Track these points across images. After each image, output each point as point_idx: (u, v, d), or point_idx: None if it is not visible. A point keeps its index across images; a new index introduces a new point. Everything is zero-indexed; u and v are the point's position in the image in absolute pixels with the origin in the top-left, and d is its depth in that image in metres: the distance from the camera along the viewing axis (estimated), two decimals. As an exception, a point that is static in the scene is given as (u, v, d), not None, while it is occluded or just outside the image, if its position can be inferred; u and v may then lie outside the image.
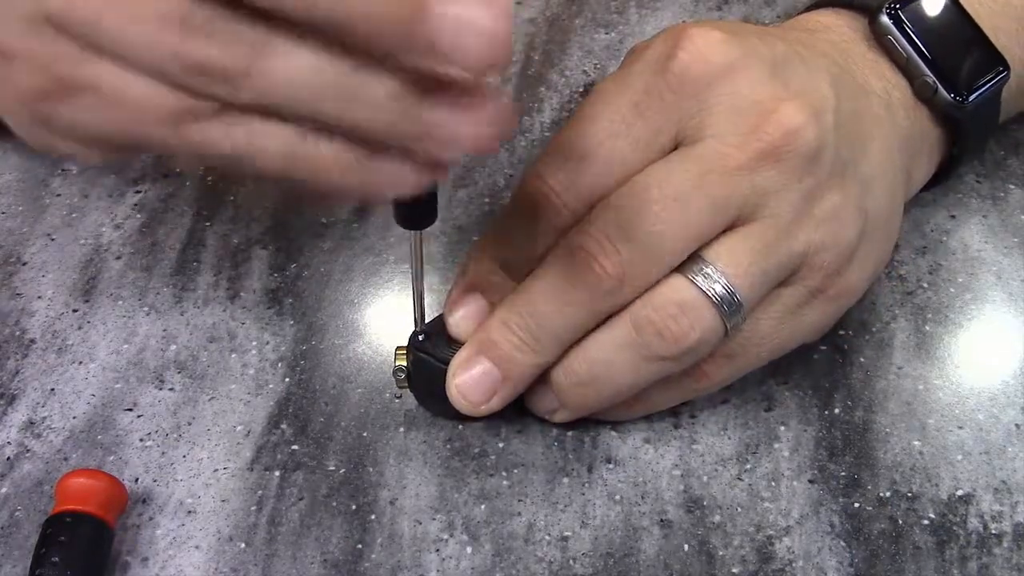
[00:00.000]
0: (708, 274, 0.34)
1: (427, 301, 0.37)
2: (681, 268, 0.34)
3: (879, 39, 0.40)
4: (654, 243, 0.33)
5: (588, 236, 0.34)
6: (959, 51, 0.40)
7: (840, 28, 0.40)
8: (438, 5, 0.24)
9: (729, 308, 0.34)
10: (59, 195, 0.47)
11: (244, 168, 0.27)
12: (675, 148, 0.35)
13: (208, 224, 0.46)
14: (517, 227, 0.36)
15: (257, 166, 0.27)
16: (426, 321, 0.38)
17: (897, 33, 0.39)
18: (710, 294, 0.34)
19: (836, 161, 0.35)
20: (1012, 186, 0.46)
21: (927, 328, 0.42)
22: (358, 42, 0.24)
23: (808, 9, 0.42)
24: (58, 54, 0.27)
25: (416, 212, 0.32)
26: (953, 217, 0.45)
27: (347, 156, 0.27)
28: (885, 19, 0.39)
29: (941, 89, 0.39)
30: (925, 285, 0.43)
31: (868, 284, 0.38)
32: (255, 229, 0.46)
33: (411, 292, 0.37)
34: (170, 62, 0.25)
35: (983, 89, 0.40)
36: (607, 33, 0.53)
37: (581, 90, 0.50)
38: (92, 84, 0.27)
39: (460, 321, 0.37)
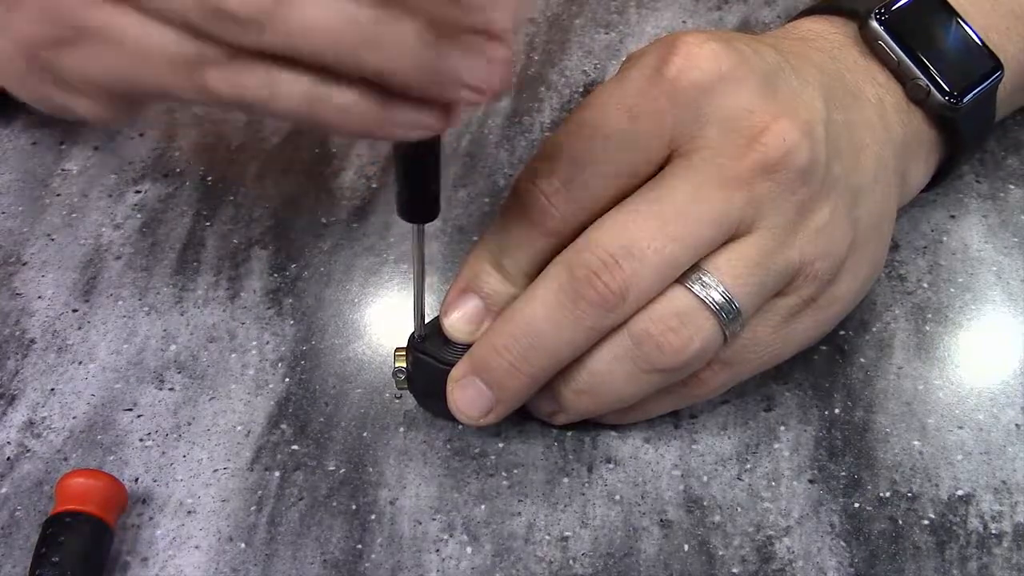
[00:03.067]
0: (706, 282, 0.34)
1: (427, 301, 0.37)
2: (679, 278, 0.34)
3: (870, 44, 0.40)
4: (657, 258, 0.33)
5: (588, 253, 0.34)
6: (951, 52, 0.40)
7: (831, 35, 0.40)
8: None
9: (728, 315, 0.34)
10: (59, 195, 0.47)
11: (259, 112, 0.27)
12: (668, 155, 0.35)
13: (208, 224, 0.46)
14: (510, 230, 0.36)
15: (274, 111, 0.27)
16: (427, 320, 0.38)
17: (887, 37, 0.39)
18: (708, 302, 0.34)
19: (828, 173, 0.35)
20: (1012, 186, 0.46)
21: (927, 328, 0.42)
22: None
23: (800, 16, 0.42)
24: None
25: (420, 204, 0.32)
26: (953, 217, 0.45)
27: (364, 101, 0.26)
28: (875, 24, 0.39)
29: (934, 91, 0.39)
30: (925, 285, 0.43)
31: (862, 292, 0.38)
32: (255, 229, 0.46)
33: (411, 291, 0.37)
34: (190, 7, 0.24)
35: (977, 90, 0.40)
36: (607, 33, 0.53)
37: (581, 90, 0.50)
38: (103, 30, 0.26)
39: (456, 323, 0.37)
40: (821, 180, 0.35)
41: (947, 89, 0.39)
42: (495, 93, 0.27)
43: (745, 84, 0.34)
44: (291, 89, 0.26)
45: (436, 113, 0.27)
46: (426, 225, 0.34)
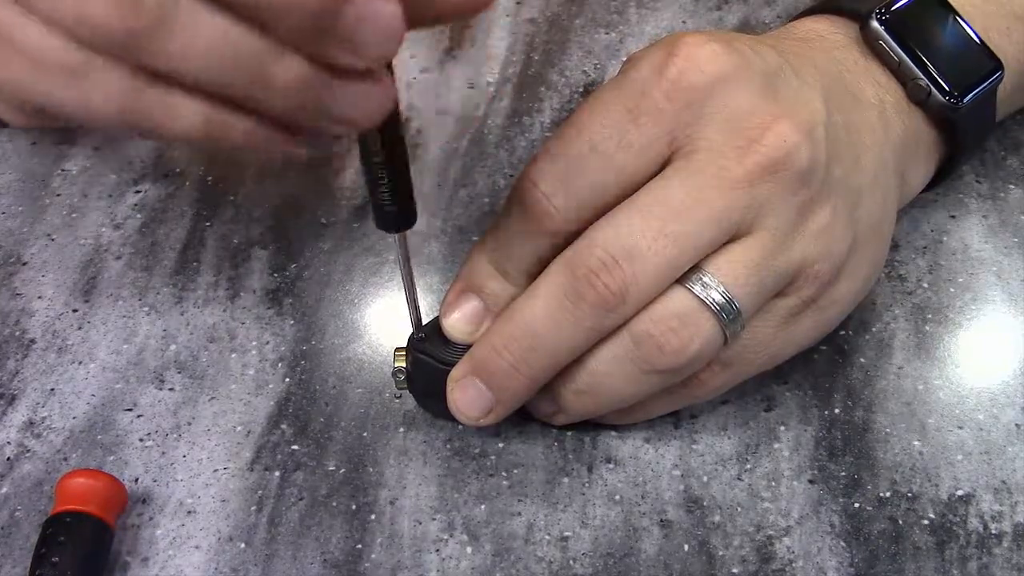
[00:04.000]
0: (706, 283, 0.34)
1: (427, 301, 0.37)
2: (679, 279, 0.34)
3: (871, 44, 0.40)
4: (657, 258, 0.33)
5: (588, 253, 0.34)
6: (951, 52, 0.40)
7: (832, 35, 0.40)
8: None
9: (728, 316, 0.34)
10: (59, 195, 0.47)
11: (160, 135, 0.27)
12: (669, 156, 0.35)
13: (208, 224, 0.46)
14: (510, 230, 0.36)
15: (172, 134, 0.26)
16: (424, 322, 0.38)
17: (888, 38, 0.39)
18: (708, 302, 0.34)
19: (828, 175, 0.35)
20: (1012, 186, 0.46)
21: (927, 328, 0.42)
22: (274, 22, 0.24)
23: (800, 16, 0.42)
24: None
25: (392, 215, 0.33)
26: (953, 217, 0.45)
27: (260, 129, 0.27)
28: (875, 24, 0.39)
29: (934, 91, 0.39)
30: (925, 285, 0.43)
31: (862, 293, 0.38)
32: (255, 229, 0.46)
33: (404, 297, 0.37)
34: (69, 15, 0.24)
35: (977, 90, 0.40)
36: (607, 33, 0.53)
37: (581, 90, 0.50)
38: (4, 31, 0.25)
39: (455, 323, 0.37)
40: (821, 181, 0.35)
41: (947, 89, 0.39)
42: (372, 125, 0.28)
43: (746, 85, 0.34)
44: (186, 113, 0.26)
45: (325, 140, 0.28)
46: (424, 227, 0.34)
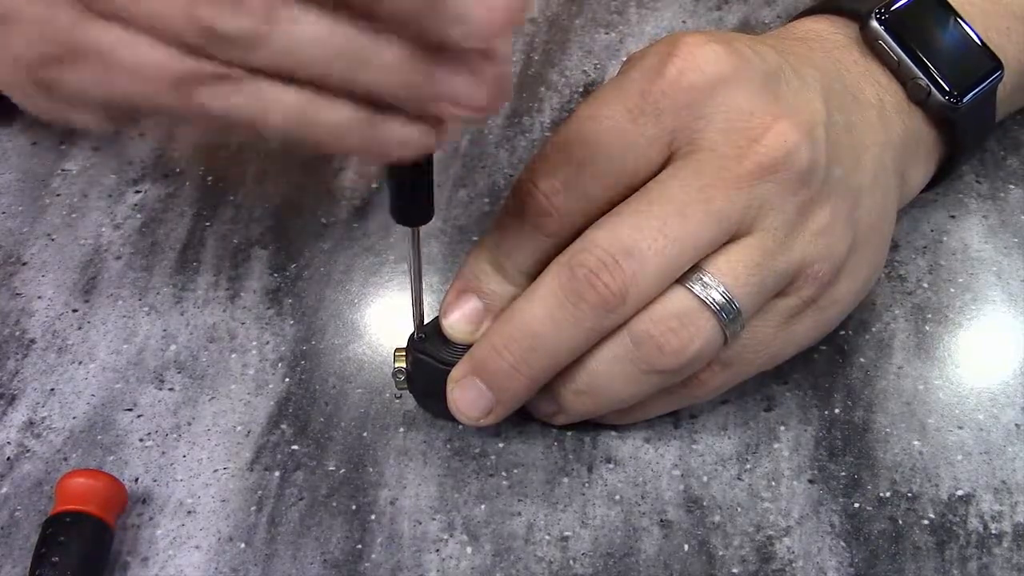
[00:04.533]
0: (706, 283, 0.34)
1: (428, 301, 0.37)
2: (679, 279, 0.34)
3: (870, 44, 0.40)
4: (657, 258, 0.33)
5: (588, 253, 0.34)
6: (951, 52, 0.40)
7: (832, 35, 0.40)
8: None
9: (728, 315, 0.34)
10: (59, 195, 0.47)
11: (250, 131, 0.27)
12: (669, 156, 0.35)
13: (208, 224, 0.46)
14: (510, 230, 0.36)
15: (265, 129, 0.27)
16: (426, 321, 0.38)
17: (887, 38, 0.39)
18: (708, 302, 0.34)
19: (828, 175, 0.35)
20: (1012, 186, 0.46)
21: (927, 328, 0.42)
22: (372, 8, 0.24)
23: (800, 16, 0.42)
24: (61, 17, 0.26)
25: (413, 207, 0.33)
26: (953, 217, 0.45)
27: (355, 118, 0.27)
28: (875, 24, 0.39)
29: (934, 91, 0.39)
30: (925, 285, 0.43)
31: (862, 293, 0.39)
32: (255, 229, 0.46)
33: (410, 292, 0.37)
34: (181, 25, 0.25)
35: (977, 90, 0.40)
36: (607, 33, 0.53)
37: (581, 90, 0.50)
38: (97, 48, 0.26)
39: (455, 323, 0.37)
40: (821, 181, 0.35)
41: (947, 89, 0.39)
42: (487, 110, 0.27)
43: (746, 85, 0.34)
44: (282, 106, 0.26)
45: (427, 130, 0.28)
46: (425, 226, 0.34)
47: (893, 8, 0.40)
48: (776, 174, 0.34)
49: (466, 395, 0.36)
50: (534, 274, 0.36)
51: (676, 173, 0.34)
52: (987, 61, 0.40)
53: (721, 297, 0.34)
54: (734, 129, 0.34)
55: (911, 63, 0.39)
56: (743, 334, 0.35)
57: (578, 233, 0.35)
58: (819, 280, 0.36)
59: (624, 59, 0.38)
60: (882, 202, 0.38)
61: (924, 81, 0.39)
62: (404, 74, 0.26)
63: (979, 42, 0.40)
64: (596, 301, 0.33)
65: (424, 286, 0.43)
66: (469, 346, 0.36)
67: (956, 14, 0.40)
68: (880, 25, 0.39)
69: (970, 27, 0.40)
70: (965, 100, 0.39)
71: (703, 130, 0.34)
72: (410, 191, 0.32)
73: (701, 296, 0.34)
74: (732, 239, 0.34)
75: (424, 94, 0.26)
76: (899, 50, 0.39)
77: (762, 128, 0.34)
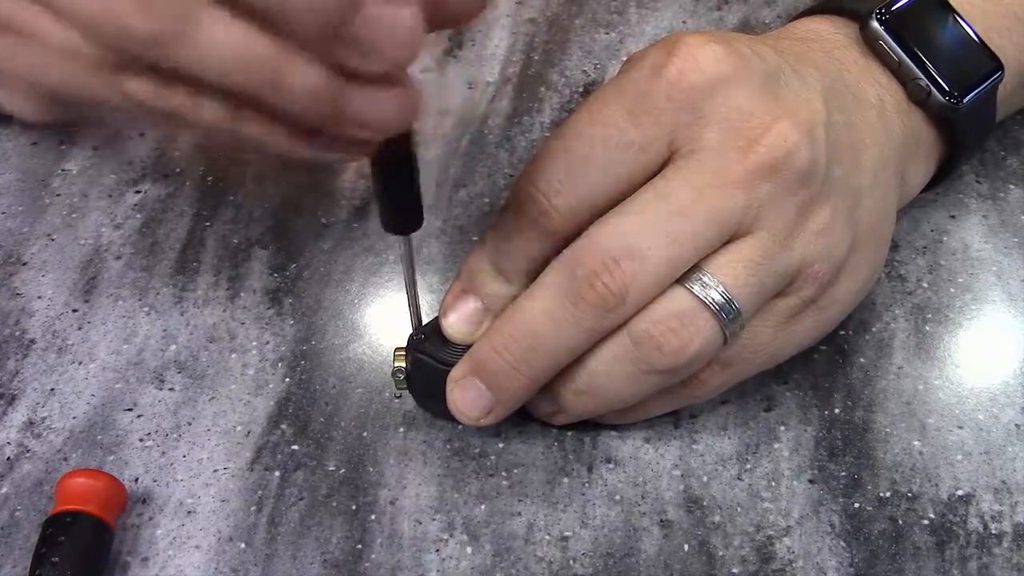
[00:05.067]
0: (706, 283, 0.34)
1: (428, 301, 0.37)
2: (679, 279, 0.34)
3: (871, 44, 0.40)
4: (657, 259, 0.33)
5: (588, 253, 0.34)
6: (951, 53, 0.40)
7: (832, 35, 0.40)
8: (371, 4, 0.24)
9: (727, 315, 0.34)
10: (59, 195, 0.47)
11: (188, 124, 0.27)
12: (669, 156, 0.35)
13: (208, 224, 0.46)
14: (510, 231, 0.36)
15: (200, 125, 0.27)
16: (424, 323, 0.38)
17: (888, 38, 0.39)
18: (708, 302, 0.34)
19: (828, 175, 0.35)
20: (1012, 186, 0.46)
21: (927, 328, 0.42)
22: (291, 28, 0.24)
23: (800, 16, 0.42)
24: None
25: (401, 217, 0.33)
26: (953, 217, 0.45)
27: (279, 130, 0.27)
28: (876, 24, 0.39)
29: (934, 92, 0.39)
30: (925, 285, 0.43)
31: (862, 293, 0.39)
32: (255, 229, 0.46)
33: (406, 301, 0.37)
34: (95, 18, 0.25)
35: (977, 90, 0.40)
36: (607, 33, 0.53)
37: (581, 90, 0.50)
38: (23, 24, 0.26)
39: (454, 324, 0.37)
40: (821, 181, 0.35)
41: (947, 89, 0.39)
42: (398, 129, 0.28)
43: (746, 85, 0.34)
44: (207, 109, 0.26)
45: (345, 147, 0.28)
46: (424, 226, 0.34)
47: (893, 8, 0.40)
48: (776, 174, 0.34)
49: (466, 395, 0.36)
50: (534, 274, 0.36)
51: (676, 173, 0.34)
52: (987, 61, 0.40)
53: (721, 297, 0.34)
54: (734, 129, 0.34)
55: (911, 63, 0.39)
56: (743, 334, 0.35)
57: (578, 233, 0.35)
58: (819, 280, 0.36)
59: (624, 59, 0.38)
60: (882, 202, 0.38)
61: (924, 81, 0.39)
62: (316, 98, 0.26)
63: (979, 42, 0.40)
64: (596, 301, 0.33)
65: (424, 286, 0.43)
66: (469, 346, 0.36)
67: (956, 14, 0.40)
68: (880, 25, 0.39)
69: (970, 27, 0.40)
70: (965, 100, 0.39)
71: (703, 130, 0.34)
72: (396, 199, 0.32)
73: (701, 296, 0.34)
74: (732, 239, 0.34)
75: (333, 117, 0.26)
76: (899, 50, 0.39)
77: (762, 128, 0.34)
